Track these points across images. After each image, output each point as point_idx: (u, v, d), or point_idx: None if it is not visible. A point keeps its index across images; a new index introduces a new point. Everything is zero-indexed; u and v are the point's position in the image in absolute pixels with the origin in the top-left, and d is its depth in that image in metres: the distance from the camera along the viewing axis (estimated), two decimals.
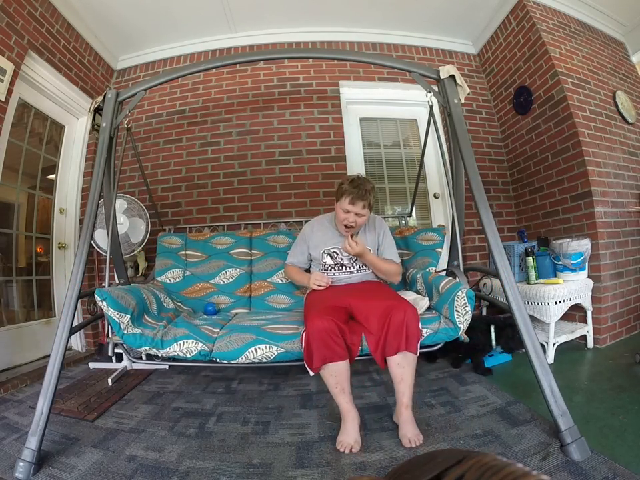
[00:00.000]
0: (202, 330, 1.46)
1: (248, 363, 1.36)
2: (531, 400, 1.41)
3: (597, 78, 2.50)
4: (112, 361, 2.11)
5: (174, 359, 1.42)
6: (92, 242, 1.88)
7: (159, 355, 1.39)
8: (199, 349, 1.36)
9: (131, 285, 1.83)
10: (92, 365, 2.19)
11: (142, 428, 1.38)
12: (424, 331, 1.34)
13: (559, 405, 1.12)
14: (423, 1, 2.63)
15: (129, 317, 1.37)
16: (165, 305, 1.76)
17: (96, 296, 1.33)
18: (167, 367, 2.11)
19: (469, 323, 1.37)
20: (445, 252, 2.04)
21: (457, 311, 1.36)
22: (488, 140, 2.93)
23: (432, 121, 1.75)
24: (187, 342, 1.37)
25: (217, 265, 2.11)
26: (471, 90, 2.62)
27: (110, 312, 1.33)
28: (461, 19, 2.83)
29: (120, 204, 2.25)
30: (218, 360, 1.36)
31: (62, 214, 2.58)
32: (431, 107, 1.71)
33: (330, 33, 2.92)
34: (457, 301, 1.35)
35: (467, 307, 1.34)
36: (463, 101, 1.61)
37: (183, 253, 2.13)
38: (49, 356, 1.26)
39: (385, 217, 2.54)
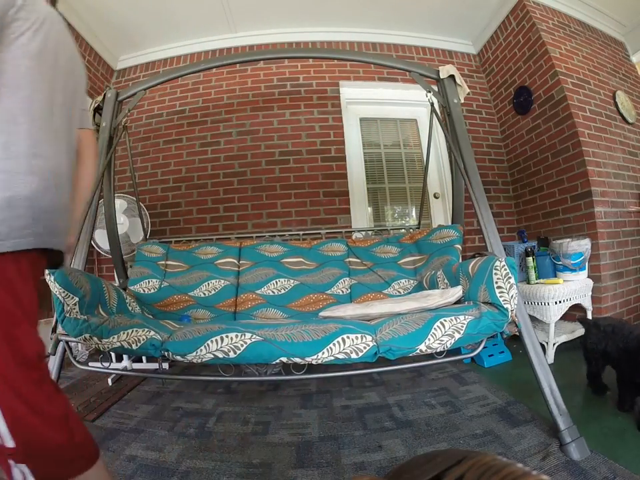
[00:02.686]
0: (161, 323, 1.27)
1: (208, 360, 1.04)
2: (530, 400, 1.41)
3: (597, 78, 2.50)
4: (112, 361, 2.10)
5: (115, 350, 1.12)
6: (92, 242, 1.87)
7: (99, 348, 1.12)
8: (150, 337, 1.08)
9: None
10: (92, 364, 2.19)
11: (142, 428, 1.38)
12: (462, 317, 1.06)
13: (558, 405, 1.12)
14: (423, 0, 2.63)
15: (78, 299, 1.16)
16: (130, 308, 1.54)
17: (45, 272, 1.11)
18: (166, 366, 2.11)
19: (516, 302, 1.08)
20: None
21: (498, 287, 1.07)
22: (488, 140, 2.93)
23: (435, 119, 1.73)
24: (136, 330, 1.11)
25: (198, 276, 1.90)
26: (471, 90, 2.63)
27: (55, 288, 1.11)
28: (461, 19, 2.83)
29: (120, 204, 2.25)
30: (170, 354, 1.06)
31: None
32: (432, 104, 1.70)
33: (330, 33, 2.93)
34: (495, 274, 1.08)
35: (510, 278, 1.06)
36: (462, 101, 1.61)
37: (163, 262, 1.97)
38: (48, 356, 1.25)
39: (388, 228, 2.44)
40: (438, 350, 1.07)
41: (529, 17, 2.48)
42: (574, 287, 1.97)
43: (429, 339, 1.04)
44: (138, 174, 2.66)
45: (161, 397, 1.70)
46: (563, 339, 1.96)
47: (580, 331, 2.05)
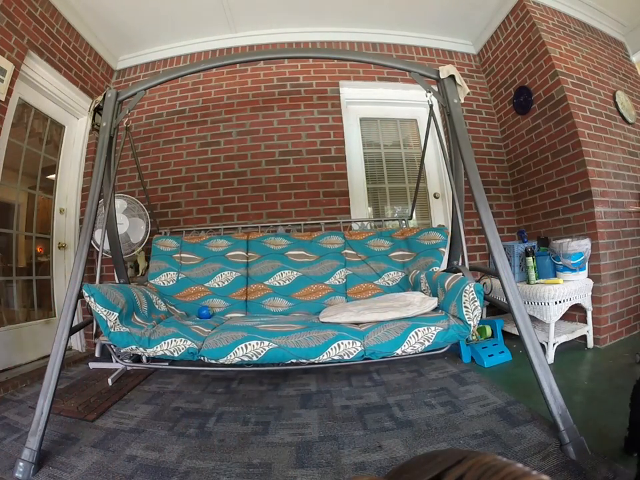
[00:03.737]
0: (192, 329, 1.43)
1: (236, 363, 1.30)
2: (531, 400, 1.41)
3: (597, 78, 2.50)
4: (112, 361, 2.11)
5: (160, 359, 1.38)
6: (92, 242, 1.87)
7: (146, 355, 1.35)
8: (187, 346, 1.32)
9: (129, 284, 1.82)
10: (92, 364, 2.19)
11: (142, 428, 1.38)
12: (433, 328, 1.30)
13: (558, 405, 1.12)
14: (423, 1, 2.63)
15: (117, 314, 1.34)
16: (157, 306, 1.73)
17: (84, 292, 1.29)
18: (167, 364, 2.11)
19: (479, 319, 1.31)
20: (446, 252, 2.04)
21: (465, 307, 1.31)
22: (488, 140, 2.93)
23: (432, 120, 1.75)
24: (175, 340, 1.33)
25: (212, 268, 2.08)
26: (471, 90, 2.63)
27: (97, 309, 1.29)
28: (461, 19, 2.83)
29: (120, 204, 2.25)
30: (206, 359, 1.31)
31: (62, 214, 2.58)
32: (431, 106, 1.71)
33: (330, 33, 2.93)
34: (464, 296, 1.30)
35: (476, 301, 1.29)
36: (462, 101, 1.61)
37: (178, 255, 2.12)
38: (48, 356, 1.26)
39: (384, 220, 2.55)
40: (411, 354, 1.34)
41: (528, 17, 2.49)
42: (574, 287, 1.97)
43: (405, 345, 1.31)
44: (138, 174, 2.66)
45: (161, 396, 1.70)
46: (563, 339, 1.96)
47: (580, 330, 2.06)
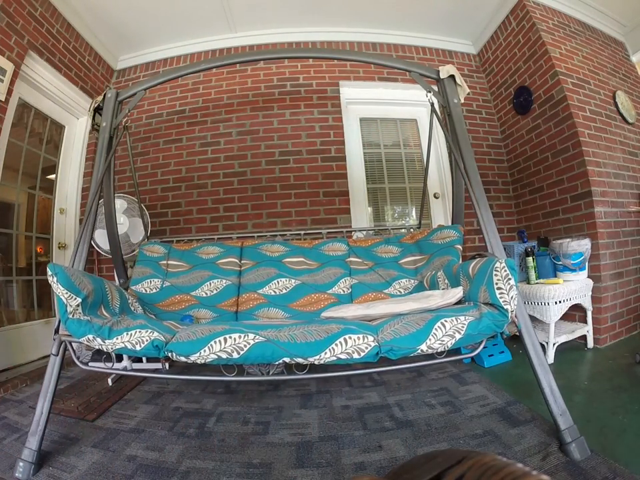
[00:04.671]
0: (165, 324, 1.27)
1: (212, 362, 1.06)
2: (531, 400, 1.41)
3: (597, 78, 2.50)
4: (114, 361, 2.10)
5: (118, 351, 1.14)
6: (92, 242, 1.87)
7: (102, 349, 1.13)
8: (153, 337, 1.10)
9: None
10: (92, 364, 2.19)
11: (142, 428, 1.38)
12: (462, 318, 1.08)
13: (558, 405, 1.12)
14: (423, 1, 2.63)
15: (80, 300, 1.14)
16: (132, 308, 1.56)
17: (47, 269, 1.12)
18: (161, 370, 2.11)
19: (516, 302, 1.07)
20: None
21: (498, 288, 1.07)
22: (488, 140, 2.93)
23: (435, 119, 1.73)
24: (139, 331, 1.12)
25: (200, 276, 1.92)
26: (471, 90, 2.63)
27: (59, 290, 1.10)
28: (461, 19, 2.83)
29: (120, 204, 2.25)
30: (174, 354, 1.08)
31: (62, 214, 2.58)
32: (432, 104, 1.70)
33: (330, 33, 2.93)
34: (495, 275, 1.09)
35: (510, 279, 1.06)
36: (462, 101, 1.61)
37: (165, 262, 1.97)
38: (48, 356, 1.25)
39: (388, 228, 2.46)
40: (439, 350, 1.08)
41: (528, 17, 2.49)
42: (574, 287, 1.96)
43: (430, 339, 1.06)
44: (138, 174, 2.66)
45: (161, 397, 1.70)
46: (563, 339, 1.96)
47: (580, 330, 2.06)
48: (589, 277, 2.10)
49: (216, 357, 1.05)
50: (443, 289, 1.49)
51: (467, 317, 1.08)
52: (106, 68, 2.92)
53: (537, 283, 2.05)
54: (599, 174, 2.22)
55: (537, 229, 2.61)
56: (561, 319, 2.07)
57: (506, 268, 1.08)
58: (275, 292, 1.89)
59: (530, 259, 2.09)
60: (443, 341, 1.06)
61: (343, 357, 1.04)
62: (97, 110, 1.67)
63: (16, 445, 1.25)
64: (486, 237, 1.34)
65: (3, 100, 1.94)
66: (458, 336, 1.06)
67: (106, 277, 2.59)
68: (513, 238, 2.74)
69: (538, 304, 1.95)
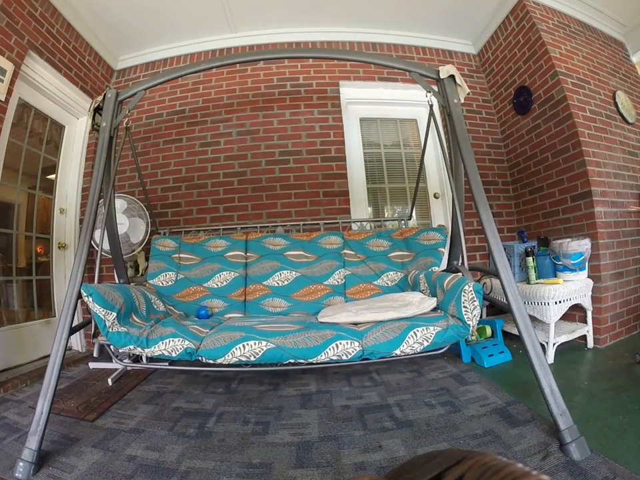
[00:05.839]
0: (190, 329, 1.43)
1: (234, 363, 1.31)
2: (531, 400, 1.41)
3: (597, 78, 2.50)
4: (111, 361, 2.11)
5: (159, 359, 1.41)
6: (92, 242, 1.87)
7: (144, 355, 1.37)
8: (185, 346, 1.32)
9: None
10: (92, 364, 2.19)
11: (142, 428, 1.38)
12: (432, 328, 1.30)
13: (558, 405, 1.12)
14: (423, 1, 2.63)
15: (115, 314, 1.35)
16: (155, 307, 1.73)
17: (82, 291, 1.29)
18: (166, 364, 2.11)
19: (478, 319, 1.30)
20: (446, 252, 2.04)
21: (464, 307, 1.30)
22: (488, 140, 2.93)
23: (432, 120, 1.75)
24: (173, 340, 1.34)
25: (211, 268, 2.08)
26: (471, 90, 2.63)
27: (95, 308, 1.30)
28: (461, 19, 2.83)
29: (120, 204, 2.25)
30: (204, 359, 1.32)
31: (62, 214, 2.58)
32: (431, 106, 1.71)
33: (330, 33, 2.93)
34: (464, 296, 1.30)
35: (475, 301, 1.28)
36: (462, 101, 1.61)
37: (177, 255, 2.12)
38: (49, 356, 1.26)
39: (384, 220, 2.55)
40: (410, 355, 1.35)
41: (528, 17, 2.49)
42: (574, 287, 1.96)
43: (403, 345, 1.31)
44: (137, 174, 2.66)
45: (161, 396, 1.70)
46: (563, 339, 1.96)
47: (580, 330, 2.06)
48: (588, 277, 2.10)
49: (238, 360, 1.31)
50: (422, 290, 1.74)
51: (435, 328, 1.31)
52: (106, 68, 2.92)
53: (536, 283, 2.05)
54: (599, 174, 2.22)
55: (536, 229, 2.61)
56: (561, 319, 2.07)
57: (472, 292, 1.29)
58: (277, 283, 2.07)
59: (530, 259, 2.09)
60: (414, 347, 1.31)
61: (335, 358, 1.31)
62: (97, 110, 1.66)
63: (16, 444, 1.25)
64: (486, 237, 1.34)
65: (3, 100, 1.94)
66: (426, 343, 1.31)
67: (106, 277, 2.60)
68: (513, 238, 2.74)
69: (538, 304, 1.95)
